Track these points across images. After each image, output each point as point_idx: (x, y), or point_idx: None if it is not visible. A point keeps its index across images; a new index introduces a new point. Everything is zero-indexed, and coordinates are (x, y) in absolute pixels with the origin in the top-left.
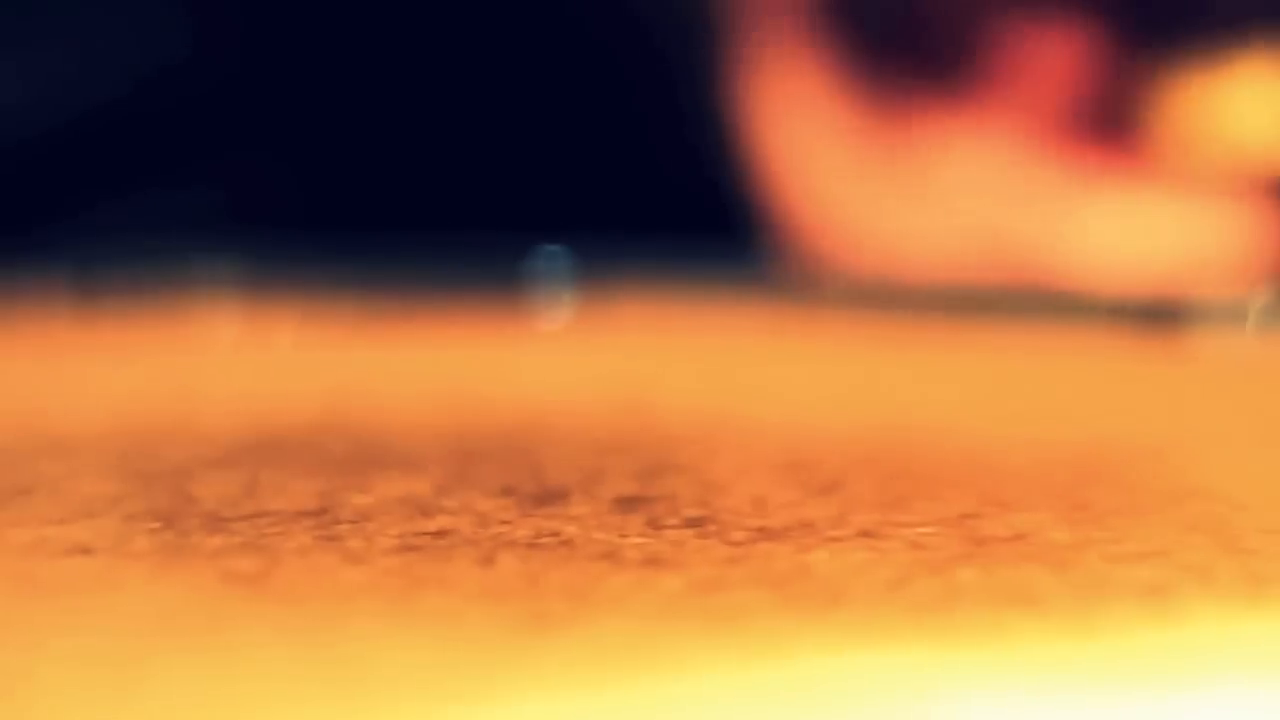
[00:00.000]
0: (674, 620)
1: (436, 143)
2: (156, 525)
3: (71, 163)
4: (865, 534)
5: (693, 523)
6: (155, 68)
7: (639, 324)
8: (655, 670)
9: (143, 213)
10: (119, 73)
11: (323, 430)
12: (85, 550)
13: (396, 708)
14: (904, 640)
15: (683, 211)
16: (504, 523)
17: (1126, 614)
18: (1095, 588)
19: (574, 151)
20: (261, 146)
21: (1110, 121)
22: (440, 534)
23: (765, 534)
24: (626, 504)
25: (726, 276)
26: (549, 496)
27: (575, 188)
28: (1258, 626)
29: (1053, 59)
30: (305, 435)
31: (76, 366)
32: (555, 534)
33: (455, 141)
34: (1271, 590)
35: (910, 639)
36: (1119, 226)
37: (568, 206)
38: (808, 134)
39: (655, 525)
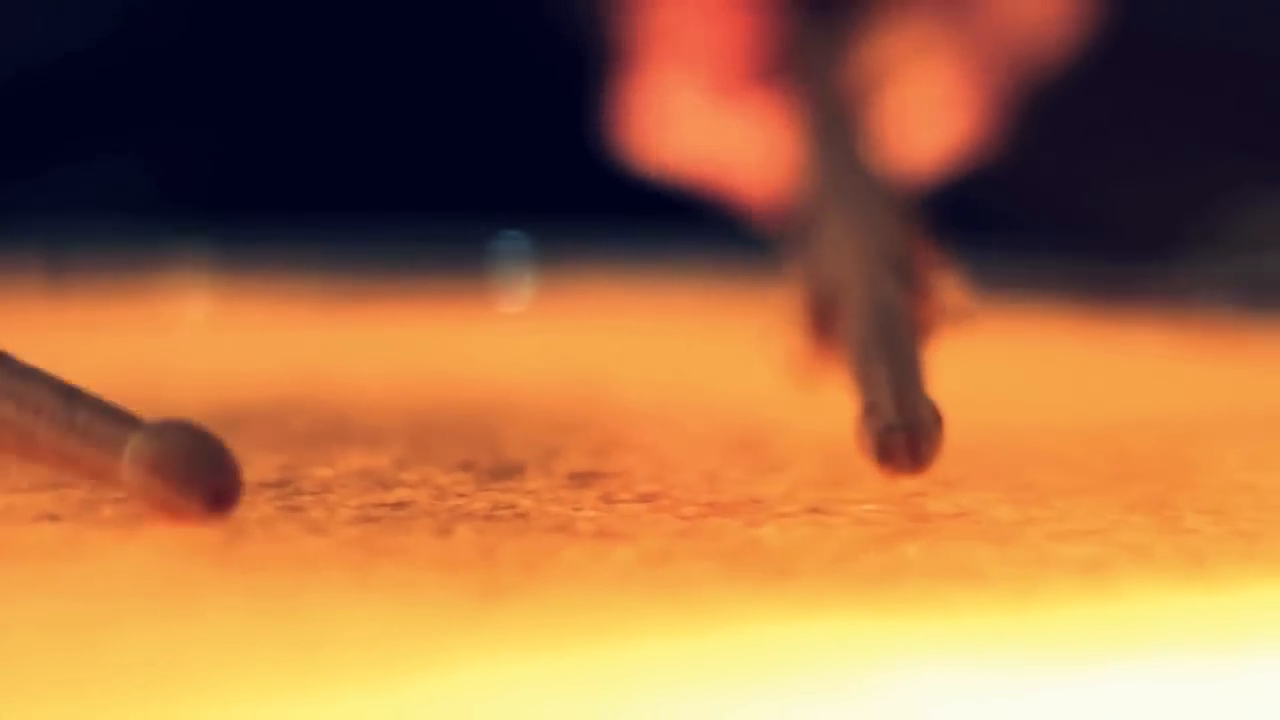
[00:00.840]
0: (626, 590)
1: (401, 129)
2: (122, 494)
3: (26, 127)
4: (813, 510)
5: (645, 498)
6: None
7: (596, 307)
8: (607, 637)
9: (104, 188)
10: (80, 32)
11: (287, 406)
12: (52, 518)
13: (355, 671)
14: (850, 611)
15: (639, 197)
16: (461, 496)
17: (1066, 589)
18: (1037, 564)
19: (534, 138)
20: (230, 128)
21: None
22: (399, 506)
23: (716, 509)
24: (581, 479)
25: (682, 261)
26: (506, 471)
27: (535, 174)
28: (1194, 601)
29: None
30: (270, 410)
31: (46, 343)
32: (511, 507)
33: (418, 128)
34: (1208, 567)
35: (856, 610)
36: None
37: (527, 192)
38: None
39: (609, 500)
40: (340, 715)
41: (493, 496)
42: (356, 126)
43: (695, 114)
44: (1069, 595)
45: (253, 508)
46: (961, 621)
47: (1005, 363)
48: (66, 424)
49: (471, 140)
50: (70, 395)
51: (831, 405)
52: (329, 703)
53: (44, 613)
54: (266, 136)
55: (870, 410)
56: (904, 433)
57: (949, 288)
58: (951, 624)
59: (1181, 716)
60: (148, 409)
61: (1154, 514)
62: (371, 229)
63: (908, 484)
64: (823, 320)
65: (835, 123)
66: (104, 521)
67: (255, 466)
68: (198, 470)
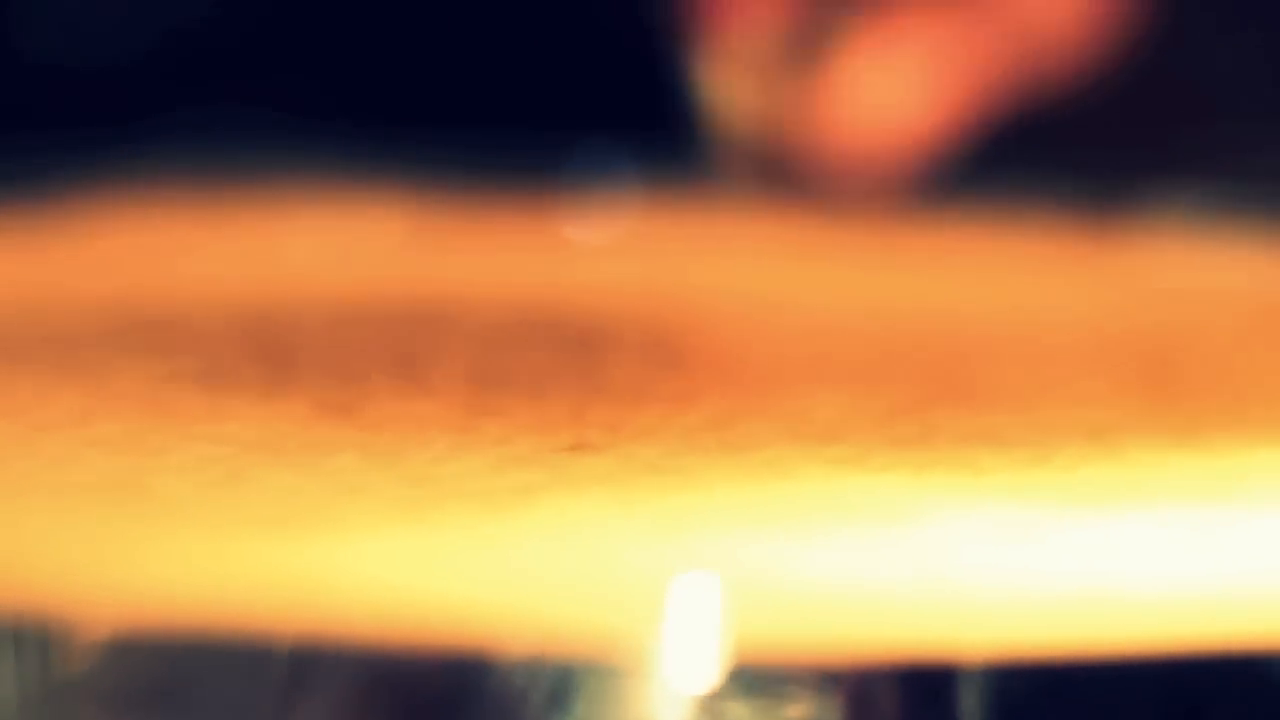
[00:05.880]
0: (694, 447)
1: (505, 78)
2: (262, 371)
3: (184, 73)
4: (857, 384)
5: (713, 372)
6: None
7: (667, 228)
8: (677, 484)
9: (242, 122)
10: None
11: (399, 300)
12: (203, 382)
13: (457, 508)
14: (888, 468)
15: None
16: (552, 369)
17: (1076, 450)
18: (1050, 429)
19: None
20: (348, 74)
21: None
22: (499, 378)
23: (772, 383)
24: (657, 356)
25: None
26: (592, 349)
27: (627, 102)
28: (1185, 460)
29: None
30: (384, 303)
31: (198, 247)
32: (597, 381)
33: (516, 64)
34: (1197, 432)
35: (894, 467)
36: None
37: (620, 116)
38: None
39: (681, 373)
40: (444, 544)
41: (580, 370)
42: (460, 74)
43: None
44: (1078, 455)
45: (371, 381)
46: (985, 477)
47: (1020, 269)
48: None
49: (561, 65)
50: None
51: (876, 307)
52: (434, 533)
53: (193, 460)
54: (384, 81)
55: None
56: None
57: None
58: (976, 479)
59: (1174, 557)
60: (283, 300)
61: (1152, 389)
62: (469, 157)
63: (939, 363)
64: None
65: None
66: (244, 389)
67: (373, 349)
68: None
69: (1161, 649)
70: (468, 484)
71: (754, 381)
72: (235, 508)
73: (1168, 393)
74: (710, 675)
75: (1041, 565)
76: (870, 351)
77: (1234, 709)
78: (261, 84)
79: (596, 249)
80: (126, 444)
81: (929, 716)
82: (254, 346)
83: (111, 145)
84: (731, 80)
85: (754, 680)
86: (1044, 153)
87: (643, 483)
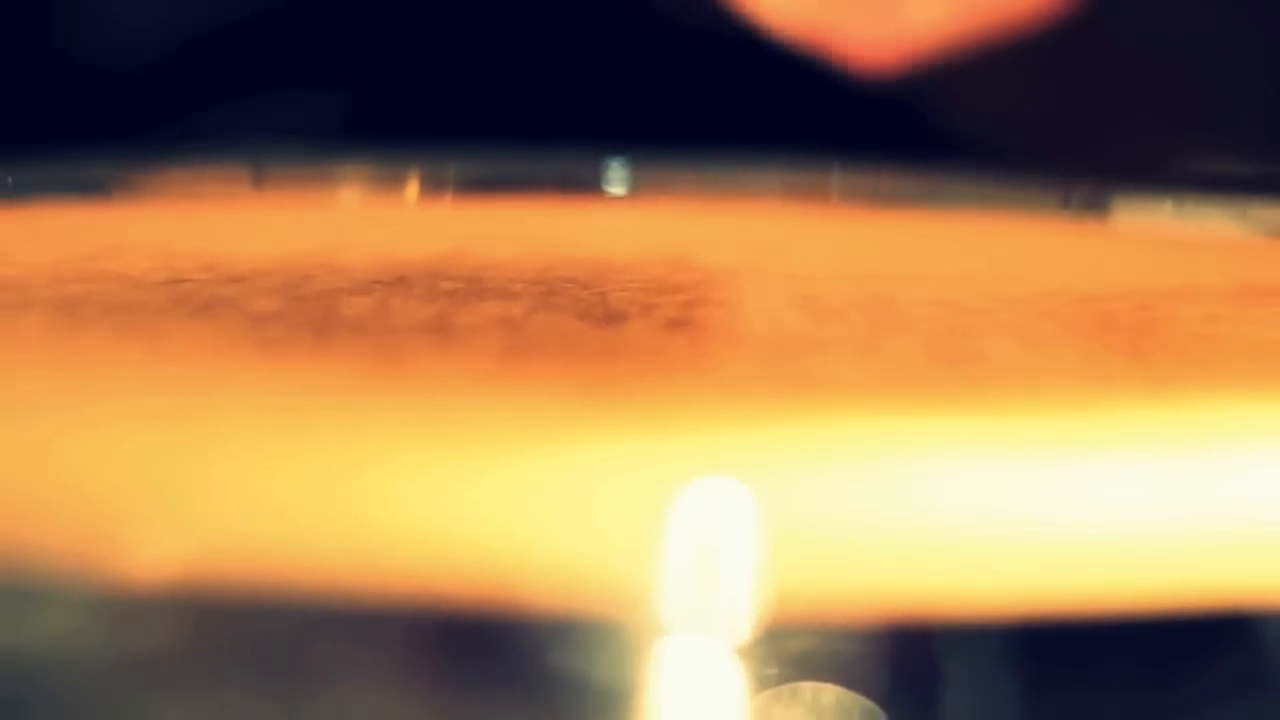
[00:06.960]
0: (706, 397)
1: (527, 70)
2: (309, 333)
3: (234, 66)
4: (858, 348)
5: (725, 339)
6: None
7: (684, 201)
8: (689, 428)
9: (294, 113)
10: None
11: (436, 269)
12: (253, 347)
13: (491, 446)
14: (885, 414)
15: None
16: (578, 335)
17: (1059, 403)
18: (1036, 385)
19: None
20: (393, 67)
21: None
22: (529, 343)
23: (780, 346)
24: (672, 325)
25: (754, 171)
26: (613, 319)
27: (632, 104)
28: (1154, 414)
29: None
30: (423, 273)
31: (250, 223)
32: (618, 343)
33: (542, 69)
34: (1165, 391)
35: (891, 414)
36: None
37: (626, 120)
38: None
39: (694, 339)
40: (479, 478)
41: (603, 336)
42: (489, 71)
43: None
44: (1061, 407)
45: (412, 341)
46: (975, 423)
47: (1009, 243)
48: None
49: (582, 73)
50: None
51: (873, 275)
52: (471, 469)
53: (255, 408)
54: (422, 74)
55: None
56: None
57: None
58: (968, 425)
59: (1147, 498)
60: (324, 270)
61: (1128, 354)
62: (501, 147)
63: (935, 331)
64: None
65: None
66: (294, 351)
67: (413, 314)
68: None
69: (1139, 600)
70: (500, 424)
71: (760, 342)
72: (296, 442)
73: (1140, 354)
74: (734, 627)
75: (1036, 512)
76: (868, 317)
77: (1218, 659)
78: (294, 79)
79: (618, 221)
80: (183, 388)
81: (915, 674)
82: (299, 313)
83: (155, 137)
84: None
85: (777, 631)
86: (1028, 136)
87: (658, 426)
